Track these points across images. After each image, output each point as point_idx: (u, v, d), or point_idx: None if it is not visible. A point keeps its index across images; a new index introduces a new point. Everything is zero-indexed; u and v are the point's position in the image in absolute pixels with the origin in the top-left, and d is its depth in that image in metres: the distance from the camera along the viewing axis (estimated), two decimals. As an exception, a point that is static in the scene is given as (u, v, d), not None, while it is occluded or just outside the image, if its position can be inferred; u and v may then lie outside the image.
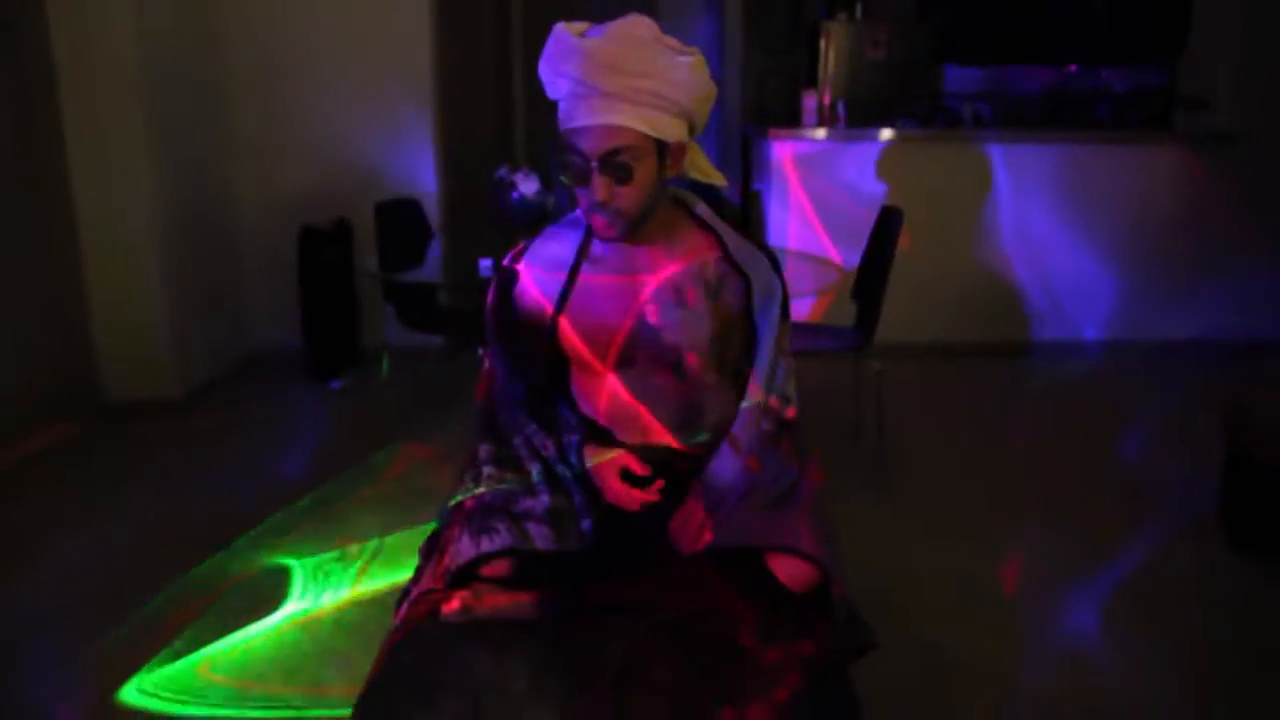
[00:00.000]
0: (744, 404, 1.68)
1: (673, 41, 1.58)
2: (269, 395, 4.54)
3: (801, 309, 4.99)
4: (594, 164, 1.54)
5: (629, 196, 1.57)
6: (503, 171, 3.59)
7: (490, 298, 1.77)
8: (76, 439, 3.94)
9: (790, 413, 1.72)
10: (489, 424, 1.75)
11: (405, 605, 1.63)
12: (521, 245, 1.79)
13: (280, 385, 4.65)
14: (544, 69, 1.59)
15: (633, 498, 1.64)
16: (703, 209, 1.77)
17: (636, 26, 1.55)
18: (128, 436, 3.98)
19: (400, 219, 4.15)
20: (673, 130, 1.58)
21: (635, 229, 1.63)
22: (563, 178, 1.60)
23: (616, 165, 1.54)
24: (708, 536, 1.60)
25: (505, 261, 1.78)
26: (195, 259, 4.52)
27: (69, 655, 2.45)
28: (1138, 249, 5.21)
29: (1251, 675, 2.45)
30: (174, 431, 4.05)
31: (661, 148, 1.59)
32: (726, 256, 1.71)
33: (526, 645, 1.44)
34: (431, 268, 3.88)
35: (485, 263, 3.30)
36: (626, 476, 1.66)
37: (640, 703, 1.38)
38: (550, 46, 1.56)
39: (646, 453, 1.69)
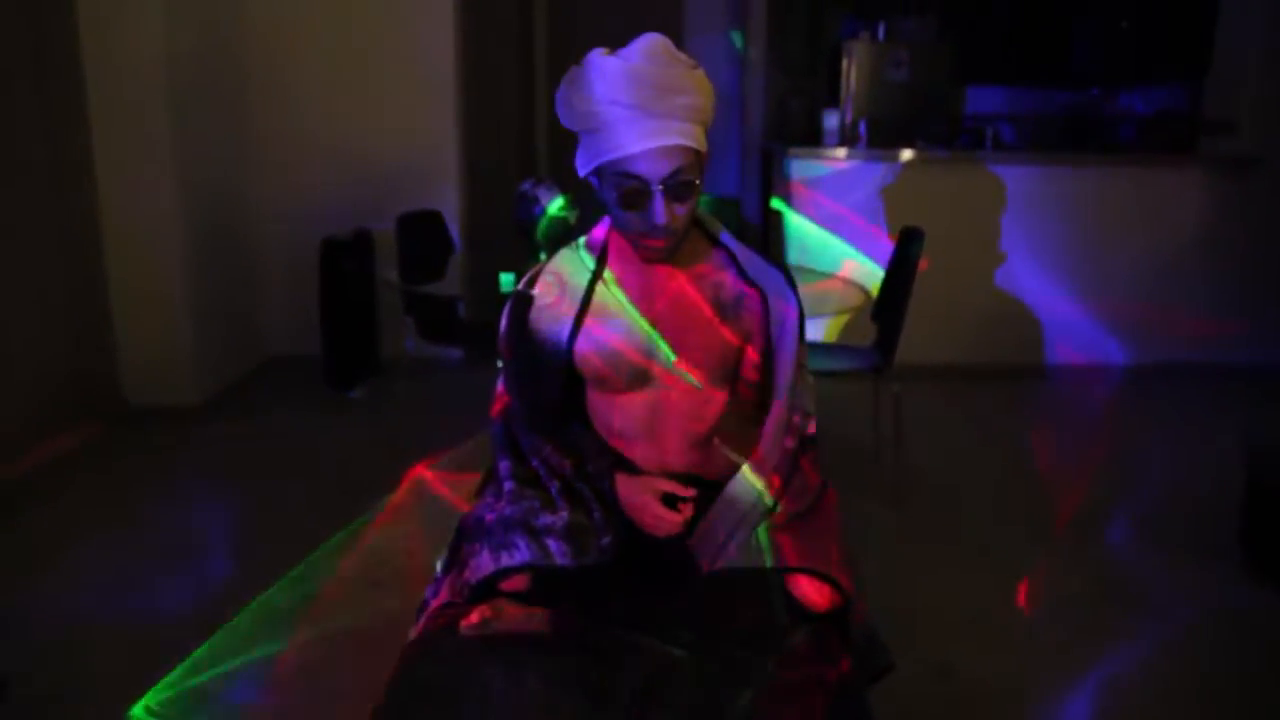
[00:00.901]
0: (769, 422, 1.66)
1: (684, 55, 1.58)
2: (287, 403, 4.56)
3: (821, 329, 4.98)
4: (656, 188, 1.52)
5: (684, 215, 1.57)
6: (526, 185, 3.60)
7: (504, 323, 1.77)
8: (96, 444, 3.97)
9: (811, 428, 1.71)
10: (508, 441, 1.75)
11: (423, 619, 1.63)
12: (536, 269, 1.79)
13: (299, 393, 4.67)
14: (586, 100, 1.53)
15: (671, 521, 1.61)
16: (717, 228, 1.76)
17: (663, 44, 1.54)
18: (147, 442, 4.00)
19: (422, 231, 4.17)
20: (704, 140, 1.59)
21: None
22: (619, 208, 1.56)
23: (679, 185, 1.53)
24: (730, 554, 1.59)
25: (519, 286, 1.77)
26: (216, 266, 4.56)
27: (79, 669, 2.45)
28: (1159, 273, 5.19)
29: (1270, 701, 2.43)
30: (192, 438, 4.08)
31: (700, 162, 1.59)
32: (742, 275, 1.71)
33: (544, 662, 1.44)
34: (452, 281, 3.89)
35: (507, 277, 3.31)
36: (668, 500, 1.63)
37: (658, 722, 1.37)
38: (592, 75, 1.52)
39: (670, 477, 1.67)
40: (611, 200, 1.57)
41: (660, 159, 1.51)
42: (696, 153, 1.55)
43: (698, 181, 1.55)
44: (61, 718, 2.27)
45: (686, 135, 1.52)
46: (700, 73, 1.56)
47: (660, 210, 1.53)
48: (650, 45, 1.53)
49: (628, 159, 1.51)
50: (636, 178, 1.52)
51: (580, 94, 1.54)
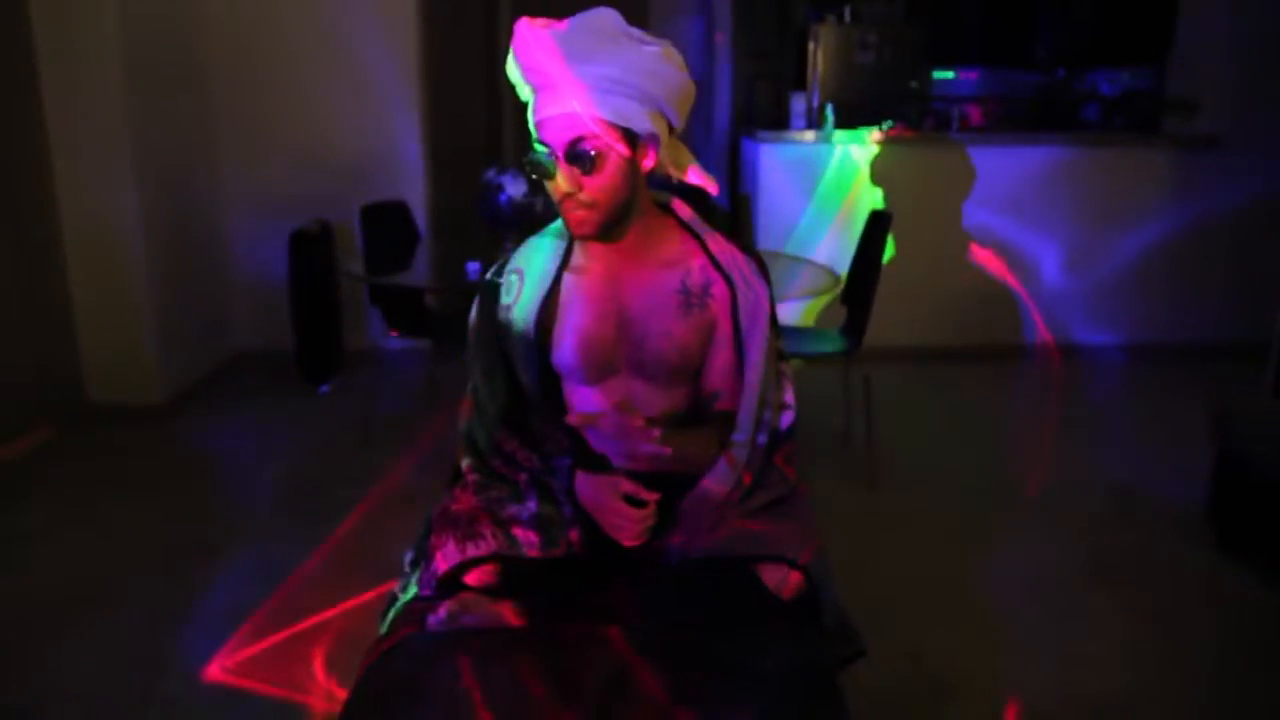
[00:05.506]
0: (739, 416, 1.65)
1: (638, 32, 1.53)
2: (255, 399, 4.51)
3: (790, 313, 4.98)
4: (559, 154, 1.51)
5: (598, 187, 1.52)
6: (490, 174, 3.56)
7: (473, 314, 1.74)
8: (59, 443, 3.91)
9: (785, 420, 1.69)
10: (472, 442, 1.73)
11: (391, 613, 1.61)
12: (505, 258, 1.76)
13: (267, 389, 4.62)
14: (511, 67, 1.54)
15: (632, 523, 1.56)
16: (686, 212, 1.73)
17: (598, 18, 1.51)
18: (111, 441, 3.94)
19: (387, 222, 4.12)
20: (640, 120, 1.51)
21: (611, 225, 1.58)
22: (533, 175, 1.56)
23: (580, 154, 1.50)
24: (697, 545, 1.58)
25: (488, 275, 1.75)
26: (179, 261, 4.49)
27: (42, 673, 2.41)
28: (1126, 252, 5.22)
29: (1241, 674, 2.45)
30: (158, 436, 4.02)
31: (632, 139, 1.53)
32: (711, 261, 1.68)
33: (513, 656, 1.42)
34: (419, 271, 3.85)
35: (473, 266, 3.28)
36: (631, 500, 1.57)
37: (627, 715, 1.36)
38: (514, 42, 1.52)
39: (637, 477, 1.61)
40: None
41: (562, 126, 1.49)
42: (621, 129, 1.50)
43: (597, 154, 1.49)
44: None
45: (596, 105, 1.47)
46: (650, 49, 1.51)
47: (561, 178, 1.51)
48: (581, 17, 1.51)
49: (539, 125, 1.52)
50: (545, 144, 1.52)
51: (510, 63, 1.54)
